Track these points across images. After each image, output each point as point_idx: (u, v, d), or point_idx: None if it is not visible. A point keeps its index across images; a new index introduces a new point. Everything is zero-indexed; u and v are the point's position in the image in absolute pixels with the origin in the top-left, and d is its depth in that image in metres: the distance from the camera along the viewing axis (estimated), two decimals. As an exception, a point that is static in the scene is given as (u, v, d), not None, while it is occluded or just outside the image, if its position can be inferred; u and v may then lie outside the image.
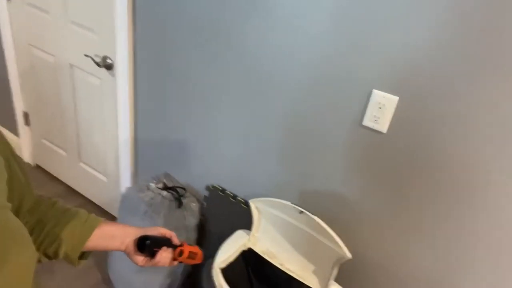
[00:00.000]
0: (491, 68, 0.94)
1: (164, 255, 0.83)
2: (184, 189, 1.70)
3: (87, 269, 1.88)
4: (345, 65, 1.14)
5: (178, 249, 0.88)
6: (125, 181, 1.97)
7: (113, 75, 1.75)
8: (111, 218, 1.79)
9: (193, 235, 1.68)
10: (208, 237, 1.71)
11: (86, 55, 1.76)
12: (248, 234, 1.40)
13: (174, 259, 0.87)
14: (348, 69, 1.15)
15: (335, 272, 1.22)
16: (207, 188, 1.65)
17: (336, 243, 1.15)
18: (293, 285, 1.32)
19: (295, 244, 1.31)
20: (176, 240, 0.88)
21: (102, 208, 2.24)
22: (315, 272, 1.29)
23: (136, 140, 1.88)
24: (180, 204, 1.66)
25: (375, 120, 1.13)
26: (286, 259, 1.34)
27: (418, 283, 1.26)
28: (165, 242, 0.85)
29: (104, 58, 1.72)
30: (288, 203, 1.22)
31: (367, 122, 1.15)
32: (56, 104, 2.11)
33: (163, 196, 1.63)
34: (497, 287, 1.12)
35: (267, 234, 1.37)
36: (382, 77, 1.09)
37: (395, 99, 1.08)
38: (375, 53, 1.08)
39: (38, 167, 2.51)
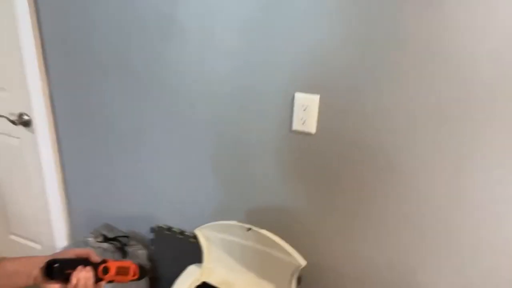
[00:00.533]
0: (394, 61, 1.00)
1: (83, 276, 0.74)
2: (127, 236, 1.59)
3: None
4: (260, 74, 1.17)
5: (101, 266, 0.79)
6: (61, 243, 1.81)
7: (32, 131, 1.64)
8: None
9: (143, 285, 1.55)
10: (162, 283, 1.59)
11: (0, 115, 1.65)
12: (200, 268, 1.32)
13: (99, 279, 0.79)
14: (264, 78, 1.17)
15: (294, 285, 1.17)
16: (152, 229, 1.56)
17: (288, 252, 1.11)
18: (256, 310, 1.25)
19: (250, 266, 1.26)
20: (95, 257, 0.80)
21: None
22: (275, 290, 1.23)
23: (67, 196, 1.75)
24: (124, 254, 1.54)
25: (303, 123, 1.15)
26: (244, 284, 1.27)
27: (376, 280, 1.25)
28: (79, 262, 0.77)
29: (20, 115, 1.62)
30: (234, 222, 1.18)
31: (296, 125, 1.16)
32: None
33: (104, 249, 1.51)
34: (458, 266, 1.13)
35: (220, 263, 1.30)
36: (300, 80, 1.13)
37: (316, 98, 1.12)
38: (287, 58, 1.12)
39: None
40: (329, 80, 1.09)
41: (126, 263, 0.86)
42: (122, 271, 0.84)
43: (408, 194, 1.10)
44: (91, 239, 1.54)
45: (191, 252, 1.39)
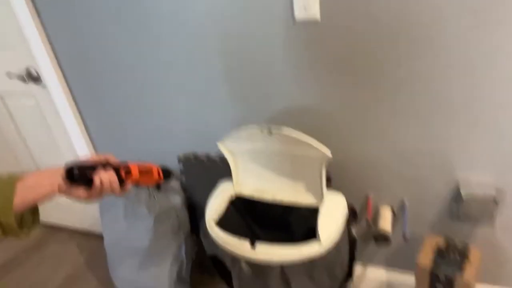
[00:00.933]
0: None
1: (105, 177, 0.74)
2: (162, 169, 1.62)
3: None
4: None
5: (123, 168, 0.79)
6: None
7: (44, 87, 1.65)
8: (102, 238, 1.71)
9: (184, 215, 1.61)
10: (198, 211, 1.64)
11: (8, 72, 1.65)
12: (231, 182, 1.33)
13: (123, 182, 0.79)
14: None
15: (324, 179, 1.17)
16: (179, 159, 1.58)
17: (312, 146, 1.09)
18: (293, 212, 1.27)
19: (278, 170, 1.26)
20: (115, 160, 0.80)
21: (90, 231, 2.13)
22: (307, 189, 1.24)
23: (94, 146, 1.78)
24: (158, 187, 1.59)
25: (305, 8, 1.08)
26: (276, 190, 1.28)
27: (405, 166, 1.23)
28: (99, 165, 0.76)
29: (28, 70, 1.62)
30: (254, 126, 1.16)
31: (299, 13, 1.09)
32: (3, 145, 1.99)
33: (138, 188, 1.55)
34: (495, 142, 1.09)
35: (249, 174, 1.31)
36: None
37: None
38: None
39: None
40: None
41: (148, 164, 0.86)
42: (145, 172, 0.84)
43: (435, 72, 1.04)
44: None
45: (221, 174, 1.41)
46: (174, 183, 1.61)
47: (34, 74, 1.62)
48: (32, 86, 1.67)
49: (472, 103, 1.06)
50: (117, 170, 0.78)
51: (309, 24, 1.11)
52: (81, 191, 0.74)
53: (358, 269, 1.55)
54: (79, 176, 0.72)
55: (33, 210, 0.78)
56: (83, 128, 1.73)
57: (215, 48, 1.27)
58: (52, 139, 1.83)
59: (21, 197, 0.66)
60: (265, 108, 1.33)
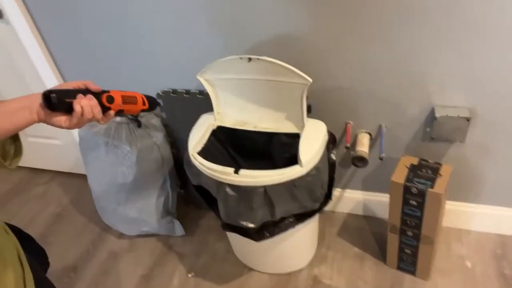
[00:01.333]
0: None
1: (86, 103, 0.71)
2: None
3: (84, 227, 1.84)
4: None
5: (105, 94, 0.76)
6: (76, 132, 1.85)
7: (7, 23, 1.55)
8: (85, 177, 1.71)
9: (167, 150, 1.62)
10: (182, 145, 1.65)
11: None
12: (212, 115, 1.34)
13: (107, 109, 0.76)
14: None
15: (305, 106, 1.19)
16: (158, 96, 1.55)
17: (292, 72, 1.09)
18: (274, 140, 1.29)
19: (259, 100, 1.26)
20: (94, 87, 0.76)
21: (73, 173, 2.14)
22: (288, 117, 1.26)
23: (64, 79, 1.72)
24: (139, 124, 1.57)
25: None
26: (257, 119, 1.30)
27: (385, 87, 1.25)
28: (78, 91, 0.73)
29: (-12, 6, 1.51)
30: (233, 56, 1.14)
31: None
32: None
33: (117, 122, 1.54)
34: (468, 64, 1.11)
35: (230, 105, 1.31)
36: None
37: None
38: None
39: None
40: None
41: (131, 92, 0.84)
42: (128, 100, 0.81)
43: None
44: (102, 117, 1.56)
45: (201, 109, 1.40)
46: (155, 120, 1.60)
47: (-5, 8, 1.51)
48: (-7, 22, 1.56)
49: (446, 22, 1.06)
50: (98, 96, 0.75)
51: None
52: (61, 118, 0.72)
53: (336, 192, 1.63)
54: (57, 102, 0.69)
55: (14, 139, 0.77)
56: (51, 62, 1.65)
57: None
58: (20, 76, 1.75)
59: None
60: (243, 38, 1.29)
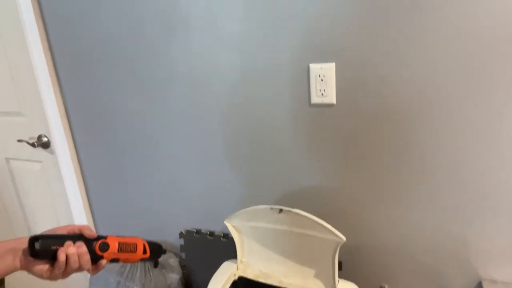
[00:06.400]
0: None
1: (73, 252, 0.64)
2: (160, 246, 1.54)
3: None
4: (266, 54, 1.14)
5: (99, 242, 0.69)
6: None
7: (52, 153, 1.64)
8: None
9: (179, 295, 1.49)
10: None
11: (19, 140, 1.65)
12: (235, 263, 1.25)
13: (98, 258, 0.69)
14: (271, 57, 1.14)
15: (336, 265, 1.10)
16: (181, 235, 1.51)
17: (325, 228, 1.04)
18: (299, 300, 1.17)
19: (286, 252, 1.19)
20: (90, 233, 0.70)
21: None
22: (317, 275, 1.16)
23: (93, 216, 1.73)
24: (156, 264, 1.49)
25: (322, 94, 1.11)
26: (282, 274, 1.20)
27: (418, 249, 1.16)
28: (69, 237, 0.67)
29: (39, 137, 1.63)
30: (264, 206, 1.12)
31: (315, 99, 1.12)
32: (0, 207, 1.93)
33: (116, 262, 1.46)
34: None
35: (255, 255, 1.23)
36: (310, 50, 1.09)
37: (332, 65, 1.08)
38: (293, 31, 1.09)
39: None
40: (343, 47, 1.06)
41: (132, 238, 0.77)
42: (126, 248, 0.74)
43: (443, 160, 1.03)
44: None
45: (224, 253, 1.33)
46: (173, 260, 1.52)
47: (45, 140, 1.62)
48: (39, 152, 1.66)
49: (489, 190, 1.03)
50: (91, 243, 0.69)
51: (324, 107, 1.13)
52: (43, 267, 0.65)
53: None
54: (40, 249, 0.63)
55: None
56: (84, 195, 1.69)
57: (225, 126, 1.29)
58: (52, 206, 1.77)
59: None
60: (272, 189, 1.30)
